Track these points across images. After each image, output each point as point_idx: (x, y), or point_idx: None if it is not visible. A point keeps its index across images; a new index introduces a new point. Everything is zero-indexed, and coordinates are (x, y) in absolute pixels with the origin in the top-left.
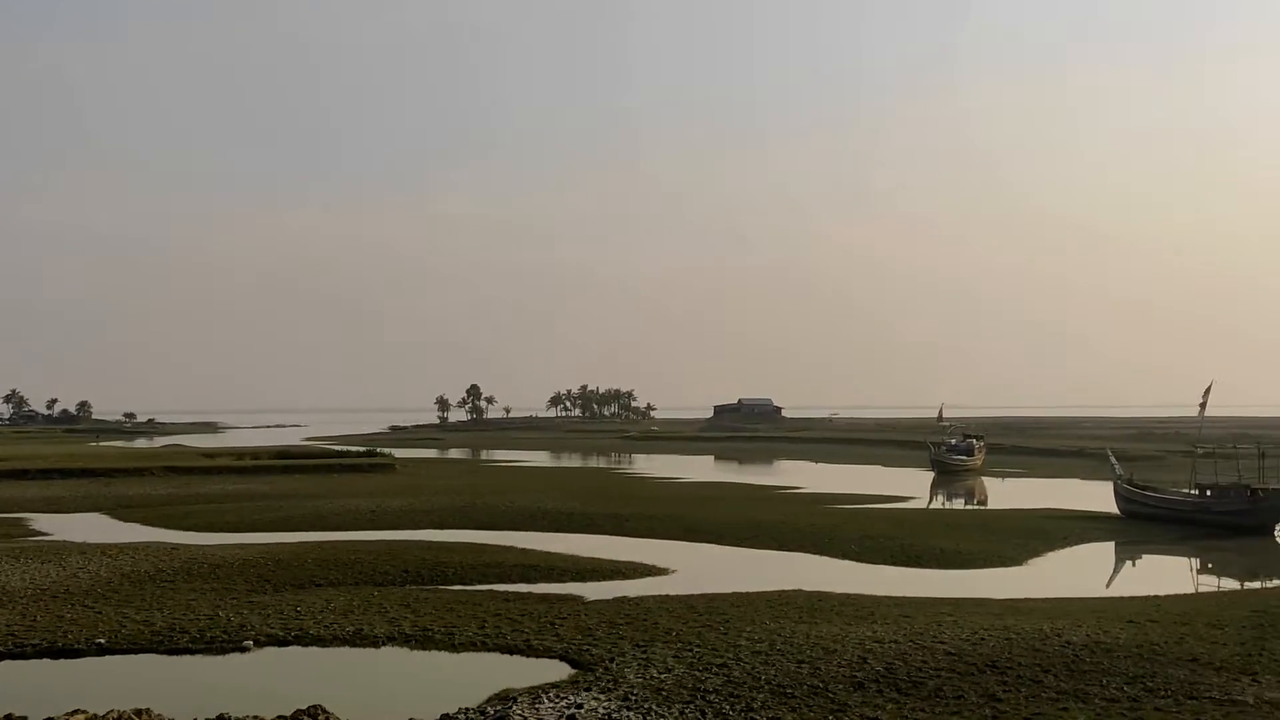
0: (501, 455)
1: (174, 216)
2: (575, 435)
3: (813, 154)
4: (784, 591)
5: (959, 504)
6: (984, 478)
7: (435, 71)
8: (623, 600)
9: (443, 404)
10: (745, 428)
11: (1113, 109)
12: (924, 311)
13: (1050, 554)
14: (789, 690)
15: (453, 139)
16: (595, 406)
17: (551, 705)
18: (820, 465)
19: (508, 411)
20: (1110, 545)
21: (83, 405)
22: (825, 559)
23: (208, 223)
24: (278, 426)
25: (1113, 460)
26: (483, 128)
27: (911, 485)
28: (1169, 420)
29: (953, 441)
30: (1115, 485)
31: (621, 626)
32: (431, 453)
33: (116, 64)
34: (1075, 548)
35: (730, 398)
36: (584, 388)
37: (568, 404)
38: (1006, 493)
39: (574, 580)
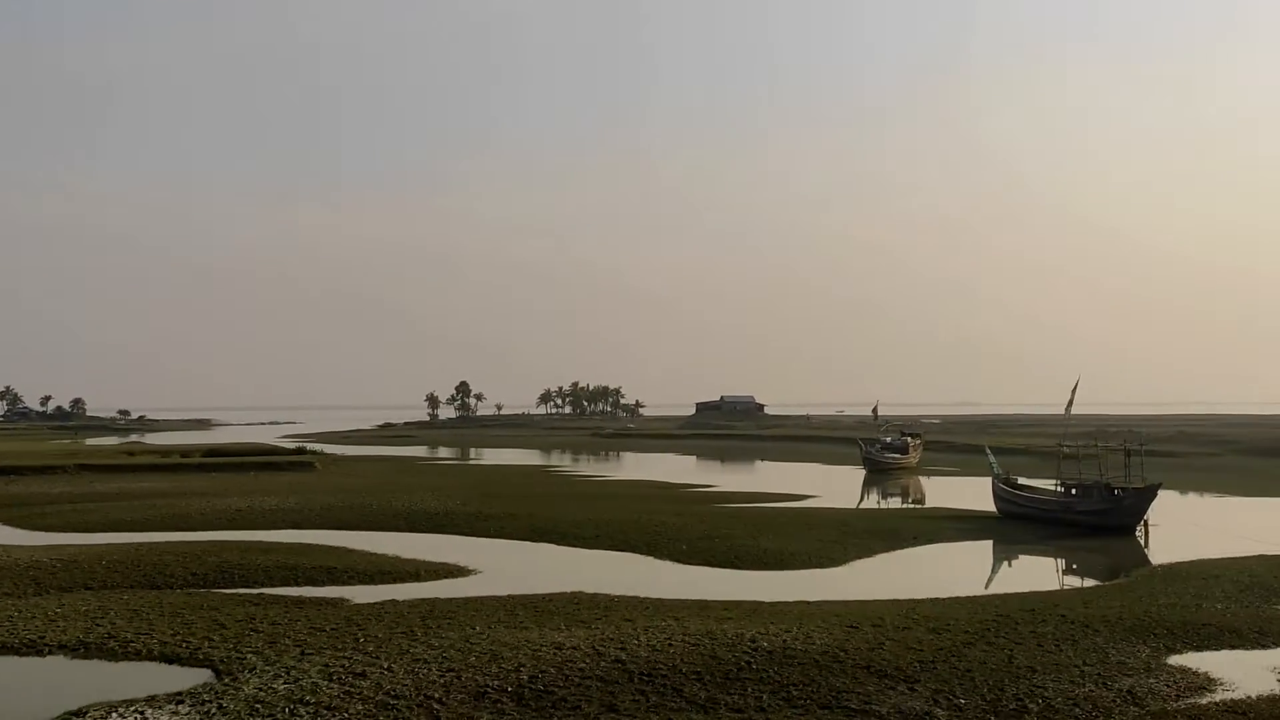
0: (465, 452)
1: (174, 214)
2: (550, 433)
3: (816, 151)
4: (557, 594)
5: (846, 504)
6: (918, 476)
7: (439, 71)
8: (379, 604)
9: (433, 401)
10: (724, 425)
11: (1120, 105)
12: (931, 308)
13: (883, 555)
14: (396, 702)
15: (457, 138)
16: (585, 404)
17: None
18: (764, 463)
19: (499, 408)
20: (956, 546)
21: (76, 402)
22: (650, 559)
23: (207, 220)
24: (270, 424)
25: (990, 458)
26: (485, 126)
27: (831, 483)
28: (1158, 417)
29: (888, 439)
30: (992, 484)
31: (322, 632)
32: (398, 450)
33: (119, 63)
34: (916, 549)
35: (725, 395)
36: (575, 385)
37: (558, 401)
38: (920, 490)
39: (363, 583)
